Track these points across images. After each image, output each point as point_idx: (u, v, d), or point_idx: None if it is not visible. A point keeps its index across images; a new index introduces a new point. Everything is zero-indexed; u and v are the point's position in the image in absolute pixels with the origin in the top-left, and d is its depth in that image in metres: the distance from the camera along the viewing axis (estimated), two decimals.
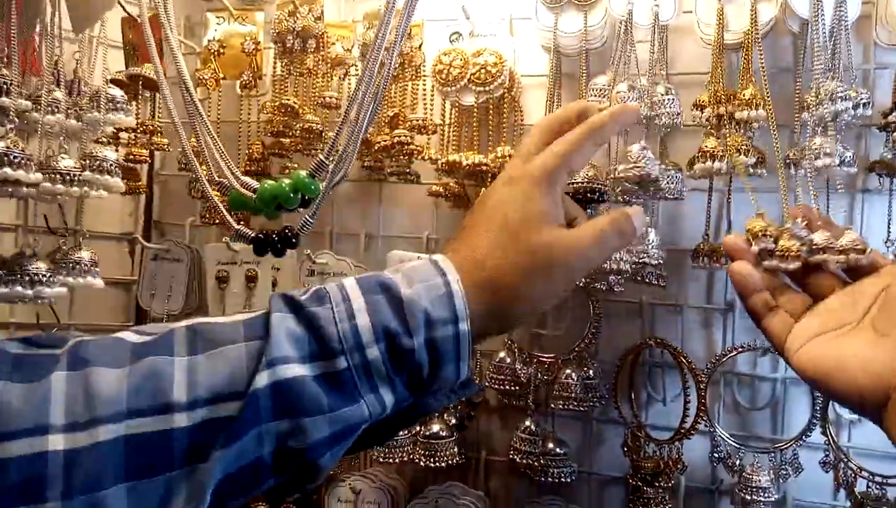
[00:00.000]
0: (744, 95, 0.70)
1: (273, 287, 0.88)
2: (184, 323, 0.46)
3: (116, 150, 0.86)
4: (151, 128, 0.86)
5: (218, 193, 0.51)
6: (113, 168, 0.52)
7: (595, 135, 0.53)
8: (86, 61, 0.75)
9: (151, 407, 0.41)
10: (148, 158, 0.86)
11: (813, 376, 0.50)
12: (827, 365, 0.50)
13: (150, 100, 0.91)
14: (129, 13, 0.85)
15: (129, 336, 0.45)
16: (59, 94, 0.51)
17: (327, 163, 0.49)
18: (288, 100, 0.81)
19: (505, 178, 0.52)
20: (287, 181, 0.49)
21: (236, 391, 0.43)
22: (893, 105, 0.70)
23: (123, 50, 0.87)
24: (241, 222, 0.85)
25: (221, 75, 0.87)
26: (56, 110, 0.51)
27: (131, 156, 0.85)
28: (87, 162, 0.53)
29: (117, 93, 0.53)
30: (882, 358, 0.47)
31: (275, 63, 0.85)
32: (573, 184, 0.73)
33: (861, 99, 0.67)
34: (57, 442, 0.39)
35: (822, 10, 0.67)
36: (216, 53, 0.86)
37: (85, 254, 0.51)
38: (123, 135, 0.86)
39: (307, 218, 0.50)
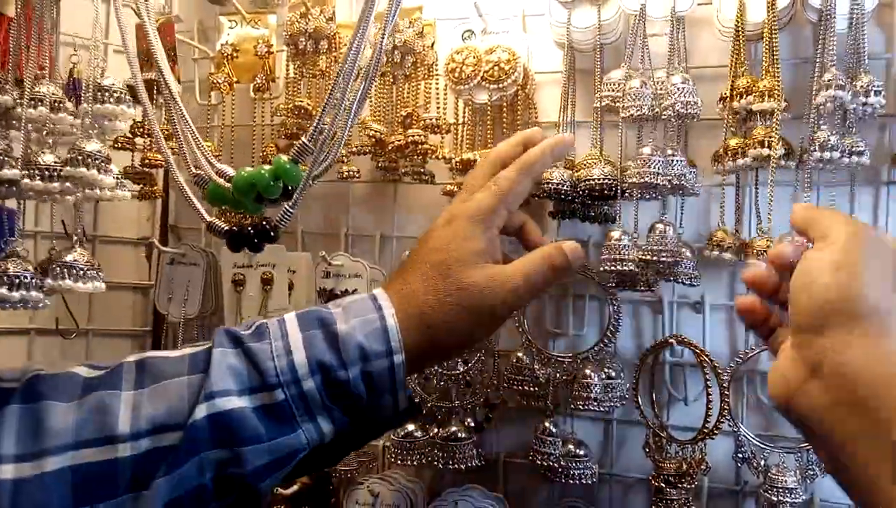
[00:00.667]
0: (760, 86, 0.69)
1: (289, 290, 0.87)
2: (133, 357, 0.49)
3: (132, 155, 0.87)
4: (166, 132, 0.85)
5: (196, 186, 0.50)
6: (100, 163, 0.50)
7: (530, 170, 0.56)
8: (97, 67, 0.76)
9: (97, 438, 0.45)
10: (163, 163, 0.86)
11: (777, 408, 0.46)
12: (777, 391, 0.45)
13: (164, 106, 0.91)
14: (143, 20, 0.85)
15: (81, 370, 0.49)
16: (44, 89, 0.50)
17: (311, 146, 0.46)
18: (301, 102, 0.81)
19: (446, 217, 0.56)
20: (267, 167, 0.47)
21: (177, 422, 0.46)
22: None
23: (137, 57, 0.87)
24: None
25: (235, 79, 0.87)
26: (39, 104, 0.50)
27: (146, 161, 0.85)
28: (73, 156, 0.51)
29: (114, 83, 0.52)
30: (782, 372, 0.44)
31: (287, 65, 0.85)
32: (588, 181, 0.72)
33: (872, 87, 0.65)
34: (6, 472, 0.42)
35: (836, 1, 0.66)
36: (229, 57, 0.86)
37: (78, 257, 0.50)
38: (139, 141, 0.87)
39: (287, 207, 0.47)
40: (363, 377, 0.51)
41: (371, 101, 0.82)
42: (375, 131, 0.79)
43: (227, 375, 0.49)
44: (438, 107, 0.82)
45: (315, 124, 0.45)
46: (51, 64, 0.66)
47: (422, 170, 0.81)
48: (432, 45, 0.81)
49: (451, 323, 0.52)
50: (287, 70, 0.86)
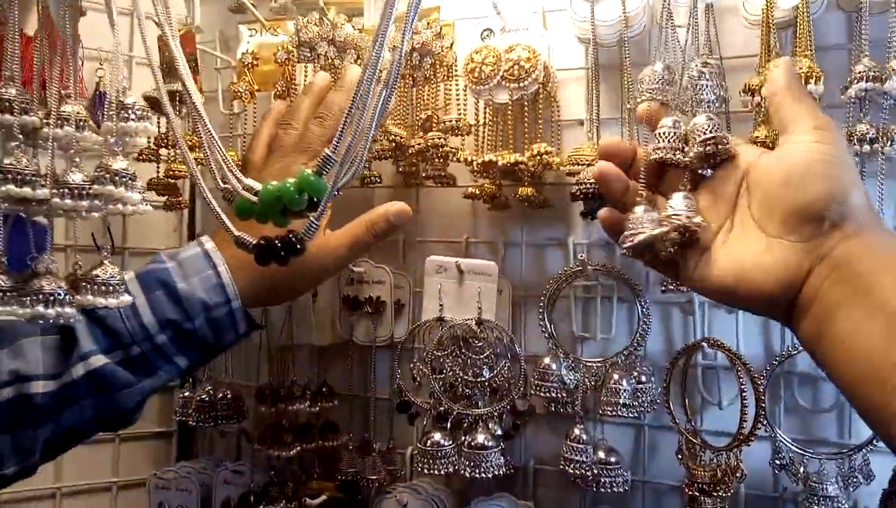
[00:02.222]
0: (799, 69, 0.65)
1: (314, 297, 0.87)
2: None
3: (157, 167, 0.88)
4: (190, 143, 0.86)
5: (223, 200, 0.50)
6: (128, 180, 0.51)
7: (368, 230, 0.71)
8: (119, 83, 0.77)
9: None
10: (187, 174, 0.87)
11: (718, 291, 0.51)
12: (731, 277, 0.50)
13: (188, 117, 0.92)
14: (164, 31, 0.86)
15: None
16: (69, 108, 0.50)
17: (334, 159, 0.46)
18: None
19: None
20: (291, 180, 0.47)
21: (37, 374, 0.58)
22: None
23: (161, 69, 0.88)
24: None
25: (256, 87, 0.87)
26: (66, 123, 0.50)
27: (171, 173, 0.86)
28: (100, 175, 0.51)
29: (130, 101, 0.52)
30: (781, 261, 0.47)
31: (305, 70, 0.84)
32: (580, 186, 0.70)
33: None
34: None
35: None
36: (250, 66, 0.86)
37: (104, 272, 0.50)
38: (163, 151, 0.88)
39: (312, 220, 0.48)
40: (208, 324, 0.64)
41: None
42: (395, 135, 0.78)
43: (89, 338, 0.60)
44: (459, 109, 0.80)
45: (338, 136, 0.45)
46: (75, 80, 0.66)
47: (443, 174, 0.80)
48: (451, 45, 0.80)
49: (278, 279, 0.62)
50: (305, 74, 0.86)
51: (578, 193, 0.71)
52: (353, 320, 0.86)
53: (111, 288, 0.49)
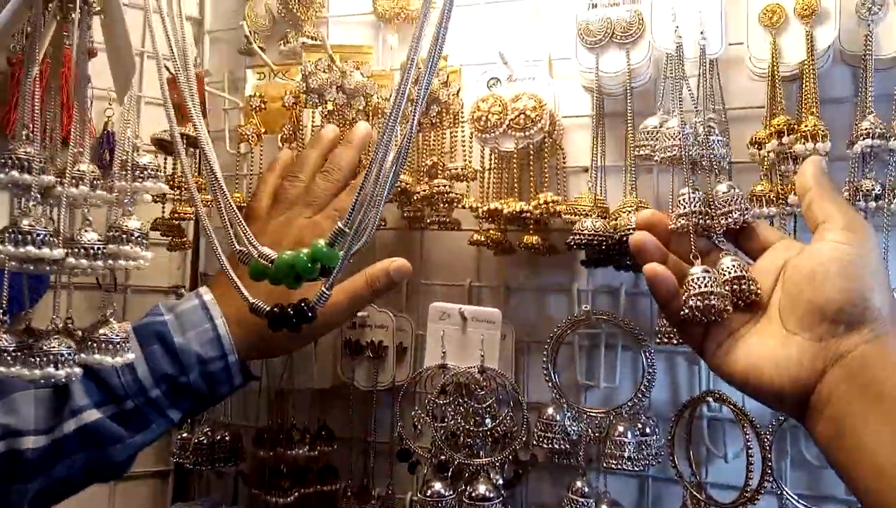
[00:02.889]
0: (804, 127, 0.66)
1: (314, 342, 0.86)
2: None
3: (163, 208, 0.88)
4: (197, 185, 0.86)
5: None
6: (139, 239, 0.51)
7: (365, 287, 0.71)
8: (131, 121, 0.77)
9: None
10: (192, 215, 0.87)
11: (730, 379, 0.51)
12: (743, 367, 0.50)
13: (195, 158, 0.92)
14: (172, 73, 0.87)
15: None
16: (84, 166, 0.51)
17: (346, 231, 0.47)
18: None
19: (295, 240, 0.69)
20: (305, 251, 0.48)
21: (29, 429, 0.58)
22: None
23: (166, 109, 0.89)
24: None
25: (263, 130, 0.88)
26: (81, 182, 0.50)
27: (176, 214, 0.86)
28: (113, 233, 0.52)
29: (145, 160, 0.52)
30: (795, 358, 0.47)
31: (312, 115, 0.85)
32: (627, 230, 0.69)
33: None
34: None
35: (873, 45, 0.63)
36: (257, 109, 0.87)
37: (109, 331, 0.50)
38: (168, 192, 0.88)
39: (324, 290, 0.48)
40: (202, 377, 0.64)
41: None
42: (401, 182, 0.78)
43: (82, 392, 0.60)
44: (464, 155, 0.81)
45: (351, 210, 0.46)
46: (83, 122, 0.67)
47: (447, 220, 0.80)
48: (458, 92, 0.80)
49: (279, 335, 0.57)
50: (313, 119, 0.86)
51: (574, 244, 0.71)
52: (354, 364, 0.85)
53: (117, 346, 0.48)
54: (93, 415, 0.60)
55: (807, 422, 0.47)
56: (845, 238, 0.48)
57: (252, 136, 0.86)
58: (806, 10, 0.65)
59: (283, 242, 0.68)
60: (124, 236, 0.54)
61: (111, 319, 0.56)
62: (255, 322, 0.53)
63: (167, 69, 0.84)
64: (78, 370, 0.47)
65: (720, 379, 0.73)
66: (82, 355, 0.47)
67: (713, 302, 0.52)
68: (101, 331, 0.53)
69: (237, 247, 0.51)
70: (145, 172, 0.52)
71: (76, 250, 0.47)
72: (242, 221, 0.50)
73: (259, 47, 0.91)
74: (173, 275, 1.01)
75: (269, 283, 0.50)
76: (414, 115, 0.45)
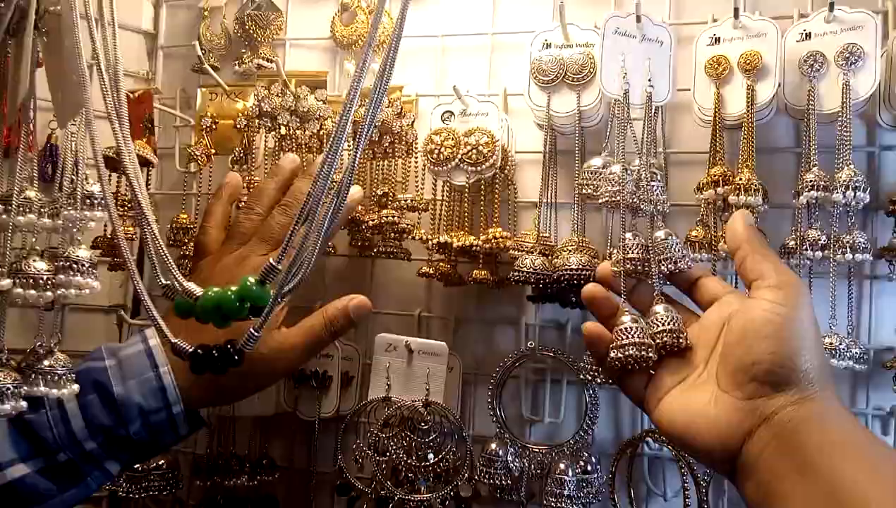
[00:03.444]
0: (738, 180, 0.67)
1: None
2: None
3: (104, 226, 0.85)
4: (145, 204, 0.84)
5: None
6: (87, 269, 0.50)
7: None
8: (80, 137, 0.75)
9: None
10: (135, 235, 0.85)
11: (668, 434, 0.51)
12: (679, 424, 0.49)
13: (134, 216, 0.90)
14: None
15: None
16: (32, 193, 0.49)
17: (278, 268, 0.45)
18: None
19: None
20: (234, 288, 0.45)
21: None
22: None
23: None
24: None
25: (213, 151, 0.86)
26: (28, 210, 0.49)
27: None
28: (62, 263, 0.51)
29: (95, 189, 0.51)
30: (724, 417, 0.47)
31: (265, 138, 0.84)
32: (566, 270, 0.70)
33: (853, 183, 0.64)
34: None
35: (815, 100, 0.65)
36: (208, 129, 0.85)
37: (54, 362, 0.48)
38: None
39: (252, 331, 0.46)
40: (144, 429, 0.59)
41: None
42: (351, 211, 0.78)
43: (8, 446, 0.55)
44: (417, 185, 0.80)
45: (283, 245, 0.44)
46: (27, 135, 0.65)
47: (396, 250, 0.79)
48: (412, 123, 0.80)
49: (225, 383, 0.56)
50: (266, 141, 0.85)
51: (513, 280, 0.71)
52: (297, 392, 0.84)
53: (62, 379, 0.47)
54: (18, 470, 0.55)
55: (737, 483, 0.47)
56: (777, 297, 0.48)
57: (201, 157, 0.85)
58: (748, 64, 0.67)
59: (237, 282, 0.65)
60: (74, 266, 0.53)
61: (55, 349, 0.54)
62: (208, 378, 0.51)
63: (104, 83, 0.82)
64: (23, 404, 0.45)
65: None
66: (25, 388, 0.45)
67: (631, 352, 0.53)
68: (46, 363, 0.51)
69: (162, 280, 0.48)
70: (93, 200, 0.51)
71: (24, 280, 0.46)
72: (166, 253, 0.48)
73: (212, 66, 0.90)
74: (114, 294, 0.98)
75: (197, 322, 0.47)
76: (356, 150, 0.44)
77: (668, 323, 0.54)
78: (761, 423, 0.45)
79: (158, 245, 0.47)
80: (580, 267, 0.69)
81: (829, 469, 0.42)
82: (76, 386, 0.50)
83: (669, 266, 0.58)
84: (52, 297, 0.48)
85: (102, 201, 0.48)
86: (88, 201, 0.49)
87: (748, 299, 0.50)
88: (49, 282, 0.48)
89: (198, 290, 0.46)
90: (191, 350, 0.46)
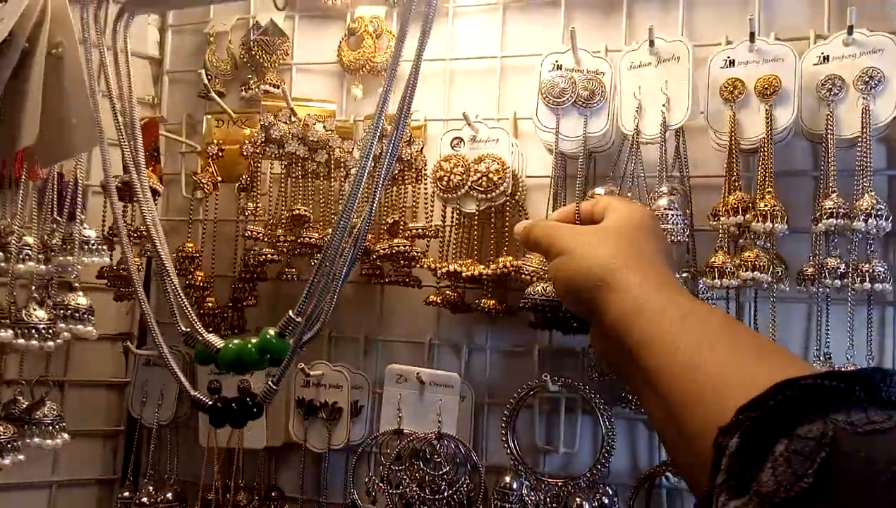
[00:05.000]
0: (761, 206, 0.66)
1: None
2: None
3: (111, 256, 0.84)
4: (145, 232, 0.83)
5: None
6: (86, 316, 0.50)
7: None
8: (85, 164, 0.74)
9: None
10: (141, 265, 0.84)
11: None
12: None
13: (157, 277, 0.89)
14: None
15: None
16: (31, 239, 0.48)
17: (298, 321, 0.44)
18: (298, 210, 0.78)
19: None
20: (254, 340, 0.45)
21: None
22: None
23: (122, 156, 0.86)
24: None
25: (219, 178, 0.85)
26: (27, 258, 0.48)
27: (124, 265, 0.82)
28: (62, 312, 0.50)
29: (91, 234, 0.50)
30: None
31: (271, 164, 0.83)
32: (527, 299, 0.69)
33: (874, 211, 0.63)
34: None
35: (833, 125, 0.64)
36: (214, 157, 0.84)
37: (48, 412, 0.48)
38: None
39: (271, 385, 0.45)
40: None
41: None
42: None
43: None
44: (426, 211, 0.79)
45: (303, 298, 0.44)
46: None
47: (407, 279, 0.78)
48: (421, 149, 0.79)
49: None
50: (272, 167, 0.84)
51: (523, 306, 0.70)
52: (307, 423, 0.83)
53: (52, 429, 0.46)
54: None
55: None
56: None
57: (207, 184, 0.84)
58: (766, 89, 0.66)
59: None
60: (74, 314, 0.52)
61: (47, 399, 0.54)
62: None
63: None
64: (21, 457, 0.44)
65: None
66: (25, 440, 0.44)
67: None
68: (38, 413, 0.50)
69: (182, 327, 0.48)
70: (90, 246, 0.50)
71: (25, 331, 0.45)
72: (184, 300, 0.47)
73: (218, 92, 0.89)
74: (121, 322, 0.97)
75: (218, 369, 0.46)
76: (372, 204, 0.43)
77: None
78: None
79: (179, 294, 0.46)
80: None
81: (647, 362, 0.45)
82: (67, 437, 0.49)
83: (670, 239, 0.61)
84: (53, 348, 0.48)
85: (97, 247, 0.47)
86: (87, 246, 0.48)
87: None
88: (49, 331, 0.47)
89: (218, 342, 0.46)
90: (210, 403, 0.45)
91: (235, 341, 0.45)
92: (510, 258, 0.73)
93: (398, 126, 0.43)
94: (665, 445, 0.48)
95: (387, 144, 0.44)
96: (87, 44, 0.48)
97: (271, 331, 0.45)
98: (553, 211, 0.74)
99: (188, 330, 0.47)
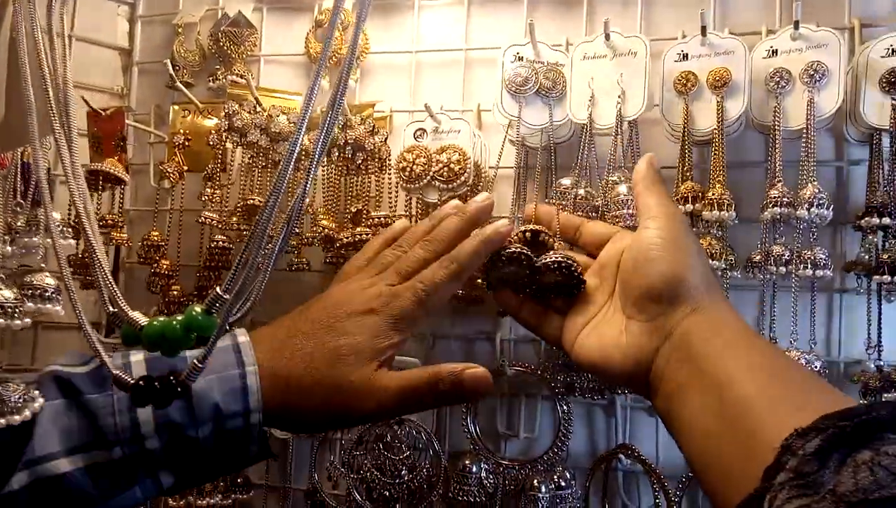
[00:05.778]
0: (710, 194, 0.68)
1: None
2: None
3: (77, 244, 0.85)
4: (111, 221, 0.84)
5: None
6: (53, 295, 0.50)
7: (460, 272, 0.59)
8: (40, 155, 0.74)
9: None
10: (106, 253, 0.84)
11: (588, 367, 0.55)
12: (595, 358, 0.54)
13: (117, 193, 0.90)
14: (93, 108, 0.84)
15: None
16: None
17: (225, 297, 0.44)
18: (253, 200, 0.79)
19: (367, 306, 0.56)
20: (179, 318, 0.44)
21: None
22: (867, 206, 0.67)
23: (89, 143, 0.86)
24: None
25: (186, 168, 0.86)
26: None
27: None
28: (29, 292, 0.51)
29: (56, 217, 0.51)
30: (635, 341, 0.51)
31: (234, 152, 0.83)
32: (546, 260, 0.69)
33: (816, 200, 0.65)
34: None
35: (781, 116, 0.66)
36: (181, 147, 0.85)
37: (5, 390, 0.48)
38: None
39: (196, 362, 0.44)
40: (215, 434, 0.51)
41: (322, 192, 0.81)
42: (324, 227, 0.78)
43: (54, 435, 0.47)
44: (390, 201, 0.80)
45: (231, 274, 0.42)
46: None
47: None
48: (385, 140, 0.80)
49: (309, 410, 0.52)
50: (234, 156, 0.85)
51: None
52: None
53: (13, 407, 0.46)
54: (63, 465, 0.46)
55: (652, 399, 0.51)
56: (658, 224, 0.53)
57: (173, 174, 0.84)
58: (717, 81, 0.68)
59: (348, 306, 0.57)
60: (42, 294, 0.53)
61: (10, 379, 0.54)
62: (292, 383, 0.49)
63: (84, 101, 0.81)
64: None
65: (636, 433, 0.76)
66: None
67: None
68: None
69: (109, 308, 0.47)
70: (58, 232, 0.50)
71: None
72: (110, 280, 0.46)
73: (186, 83, 0.90)
74: (90, 311, 0.97)
75: (145, 349, 0.44)
76: (309, 174, 0.44)
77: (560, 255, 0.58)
78: (665, 339, 0.49)
79: (104, 273, 0.46)
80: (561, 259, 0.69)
81: (713, 371, 0.45)
82: (29, 412, 0.48)
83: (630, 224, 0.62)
84: (21, 326, 0.48)
85: (61, 229, 0.48)
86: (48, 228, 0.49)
87: (638, 232, 0.55)
88: (18, 310, 0.48)
89: (142, 320, 0.45)
90: (132, 381, 0.44)
91: (161, 318, 0.44)
92: None
93: (333, 104, 0.44)
94: (695, 454, 0.45)
95: (321, 122, 0.44)
96: (19, 26, 0.48)
97: (197, 309, 0.43)
98: (518, 202, 0.76)
99: (115, 310, 0.46)
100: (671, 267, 0.51)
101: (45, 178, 0.51)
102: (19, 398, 0.53)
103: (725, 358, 0.45)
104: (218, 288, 0.43)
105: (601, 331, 0.54)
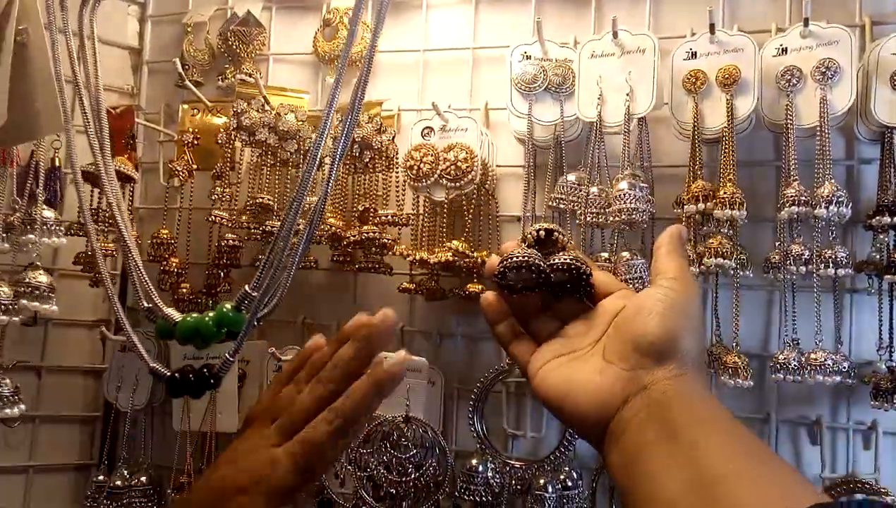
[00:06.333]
0: (722, 193, 0.67)
1: (240, 380, 0.85)
2: None
3: (86, 242, 0.85)
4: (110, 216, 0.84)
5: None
6: (47, 293, 0.51)
7: (346, 424, 0.51)
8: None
9: None
10: (114, 252, 0.85)
11: (546, 400, 0.52)
12: (558, 390, 0.51)
13: (127, 191, 0.90)
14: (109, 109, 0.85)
15: None
16: None
17: (253, 295, 0.46)
18: (262, 199, 0.80)
19: (241, 484, 0.50)
20: (211, 314, 0.46)
21: None
22: (878, 205, 0.67)
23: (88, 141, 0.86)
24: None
25: (195, 166, 0.86)
26: None
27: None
28: (24, 289, 0.52)
29: (50, 215, 0.52)
30: (607, 385, 0.49)
31: (243, 151, 0.84)
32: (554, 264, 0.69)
33: (835, 197, 0.64)
34: None
35: (793, 114, 0.66)
36: (190, 145, 0.85)
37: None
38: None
39: (228, 356, 0.46)
40: None
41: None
42: (332, 225, 0.78)
43: None
44: (397, 199, 0.80)
45: (259, 273, 0.44)
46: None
47: (378, 265, 0.79)
48: (392, 138, 0.80)
49: None
50: (243, 155, 0.85)
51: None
52: None
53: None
54: None
55: (603, 447, 0.49)
56: (672, 285, 0.52)
57: (183, 172, 0.85)
58: (727, 79, 0.67)
59: (227, 485, 0.51)
60: (35, 292, 0.53)
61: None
62: None
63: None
64: None
65: None
66: None
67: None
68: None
69: (144, 303, 0.49)
70: (48, 226, 0.51)
71: None
72: (146, 278, 0.48)
73: (196, 82, 0.90)
74: (98, 309, 0.98)
75: (179, 342, 0.48)
76: (330, 175, 0.45)
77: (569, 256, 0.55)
78: (639, 391, 0.48)
79: (140, 272, 0.48)
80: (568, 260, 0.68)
81: (691, 439, 0.44)
82: (23, 406, 0.50)
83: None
84: (17, 322, 0.49)
85: (55, 227, 0.48)
86: (45, 226, 0.49)
87: (648, 288, 0.53)
88: (12, 307, 0.49)
89: (176, 315, 0.47)
90: (168, 374, 0.47)
91: (193, 314, 0.47)
92: (462, 243, 0.74)
93: (353, 107, 0.44)
94: None
95: (341, 126, 0.45)
96: (52, 29, 0.49)
97: (228, 306, 0.46)
98: (527, 200, 0.76)
99: (150, 305, 0.48)
100: (672, 325, 0.50)
101: (81, 180, 0.52)
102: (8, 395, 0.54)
103: (704, 430, 0.45)
104: (247, 286, 0.45)
105: (574, 367, 0.52)
